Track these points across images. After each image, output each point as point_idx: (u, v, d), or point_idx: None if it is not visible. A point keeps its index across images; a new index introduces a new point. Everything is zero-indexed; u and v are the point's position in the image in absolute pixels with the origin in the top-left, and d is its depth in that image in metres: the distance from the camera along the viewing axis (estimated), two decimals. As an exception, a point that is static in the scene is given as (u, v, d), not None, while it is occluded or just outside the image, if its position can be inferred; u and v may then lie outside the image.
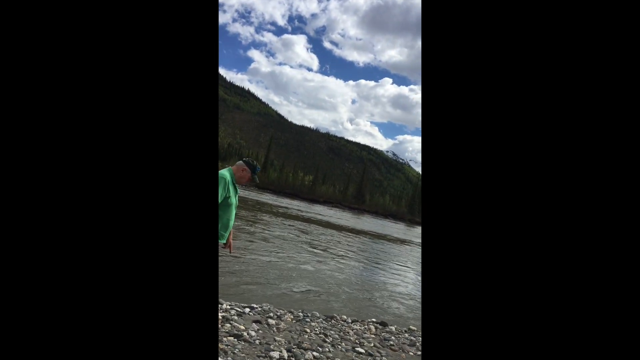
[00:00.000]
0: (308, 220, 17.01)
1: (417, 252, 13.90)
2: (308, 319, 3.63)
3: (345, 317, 4.02)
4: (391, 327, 4.06)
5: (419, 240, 20.76)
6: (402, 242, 17.54)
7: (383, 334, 3.72)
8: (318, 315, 3.86)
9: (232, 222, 2.50)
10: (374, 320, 4.20)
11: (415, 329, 4.20)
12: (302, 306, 4.26)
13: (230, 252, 2.75)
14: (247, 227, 9.87)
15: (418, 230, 35.57)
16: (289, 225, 13.22)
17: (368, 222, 28.44)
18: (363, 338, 3.40)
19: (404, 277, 7.87)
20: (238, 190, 2.54)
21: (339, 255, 8.79)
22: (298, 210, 23.47)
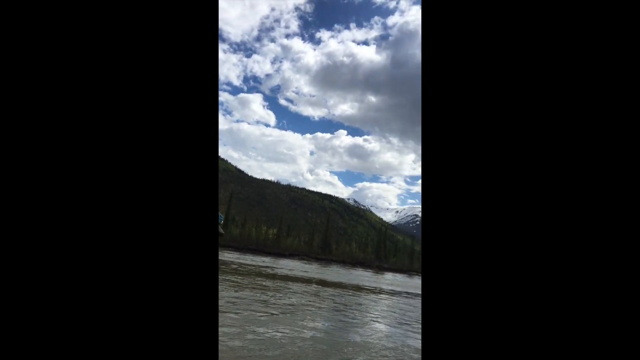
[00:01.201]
0: (303, 280, 15.91)
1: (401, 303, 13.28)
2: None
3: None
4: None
5: (392, 288, 20.20)
6: (393, 293, 16.84)
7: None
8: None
9: None
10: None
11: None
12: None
13: None
14: (261, 296, 8.65)
15: (388, 276, 35.12)
16: (288, 287, 12.08)
17: (342, 274, 27.51)
18: None
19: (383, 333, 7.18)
20: None
21: (374, 319, 7.96)
22: (269, 267, 22.14)
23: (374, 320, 8.25)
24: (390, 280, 29.22)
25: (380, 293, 15.89)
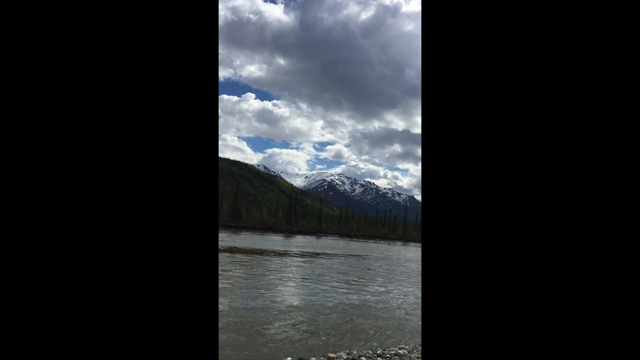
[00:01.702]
0: (224, 250, 15.19)
1: (296, 262, 14.08)
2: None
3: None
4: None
5: (309, 250, 21.23)
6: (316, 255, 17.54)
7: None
8: None
9: None
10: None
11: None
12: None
13: None
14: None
15: (300, 239, 36.66)
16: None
17: (256, 240, 27.58)
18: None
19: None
20: None
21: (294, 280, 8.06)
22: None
23: (305, 283, 8.71)
24: (303, 242, 30.60)
25: (301, 256, 16.62)
